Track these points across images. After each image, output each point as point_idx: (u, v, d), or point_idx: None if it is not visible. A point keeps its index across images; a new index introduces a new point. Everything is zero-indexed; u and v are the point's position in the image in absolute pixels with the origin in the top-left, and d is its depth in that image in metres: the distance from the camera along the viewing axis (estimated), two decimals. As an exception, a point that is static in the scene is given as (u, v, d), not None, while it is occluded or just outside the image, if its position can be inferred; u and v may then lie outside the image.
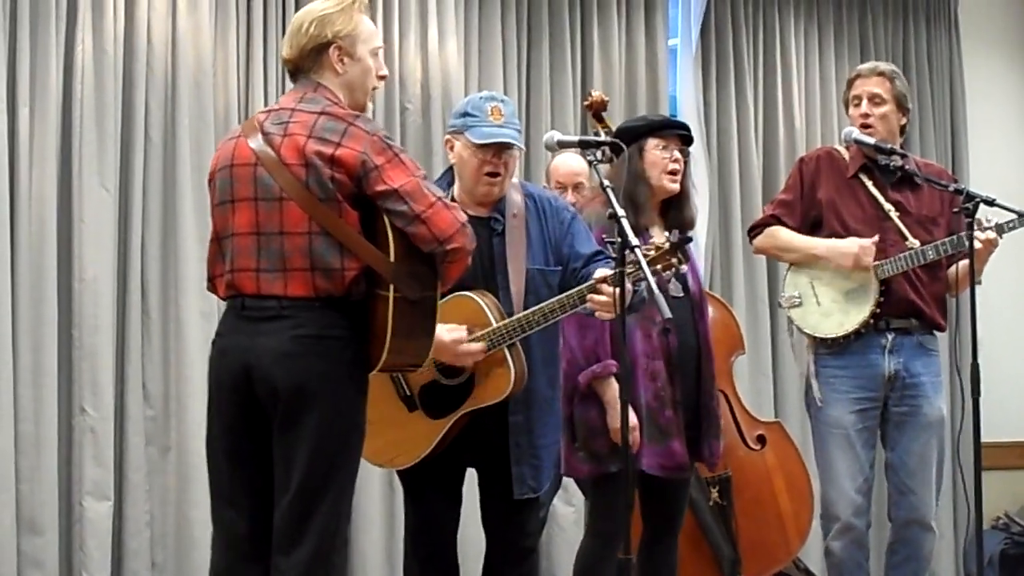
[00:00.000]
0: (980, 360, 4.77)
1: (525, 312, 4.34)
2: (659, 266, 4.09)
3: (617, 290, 3.89)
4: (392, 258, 3.73)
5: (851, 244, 5.21)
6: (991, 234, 5.06)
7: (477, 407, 4.39)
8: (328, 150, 3.72)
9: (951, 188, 5.05)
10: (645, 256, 4.01)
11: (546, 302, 4.33)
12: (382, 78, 4.03)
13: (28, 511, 5.65)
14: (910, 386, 5.26)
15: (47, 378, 5.70)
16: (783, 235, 5.40)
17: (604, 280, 4.14)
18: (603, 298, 4.15)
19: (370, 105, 4.05)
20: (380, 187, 3.71)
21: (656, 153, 4.82)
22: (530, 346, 4.42)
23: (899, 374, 5.25)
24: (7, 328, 5.62)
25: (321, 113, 3.80)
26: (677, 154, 4.85)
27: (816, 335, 5.32)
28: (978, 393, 4.75)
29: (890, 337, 5.24)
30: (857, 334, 5.23)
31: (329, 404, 3.74)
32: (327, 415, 3.73)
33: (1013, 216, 5.06)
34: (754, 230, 5.53)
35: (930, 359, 5.32)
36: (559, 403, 4.63)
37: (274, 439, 3.79)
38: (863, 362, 5.25)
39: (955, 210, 4.99)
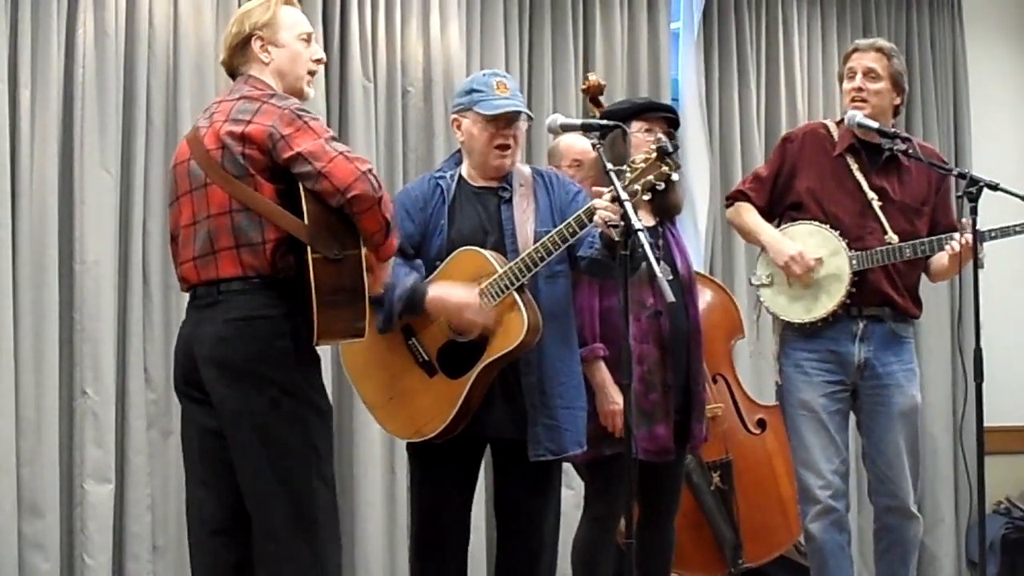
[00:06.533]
0: (983, 344, 4.76)
1: (528, 250, 4.34)
2: (651, 176, 4.12)
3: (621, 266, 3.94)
4: (306, 221, 3.80)
5: (790, 248, 5.14)
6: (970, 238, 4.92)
7: (496, 356, 4.35)
8: (239, 128, 3.86)
9: (955, 172, 4.97)
10: (634, 168, 4.11)
11: (546, 235, 4.33)
12: (318, 62, 4.17)
13: (29, 494, 5.66)
14: (881, 375, 5.19)
15: (48, 361, 5.70)
16: (745, 215, 5.34)
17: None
18: (608, 213, 4.11)
19: (309, 91, 4.16)
20: (287, 153, 3.82)
21: (640, 136, 4.85)
22: (539, 303, 4.40)
23: (869, 362, 5.18)
24: (8, 311, 5.62)
25: (240, 98, 3.96)
26: (662, 136, 4.85)
27: (783, 317, 5.27)
28: (981, 377, 4.74)
29: (861, 325, 5.17)
30: (825, 320, 5.17)
31: (266, 385, 3.82)
32: (266, 396, 3.82)
33: (996, 227, 5.00)
34: (728, 200, 5.50)
35: (902, 347, 5.25)
36: (579, 367, 4.60)
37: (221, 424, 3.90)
38: (832, 347, 5.17)
39: (958, 195, 4.90)
